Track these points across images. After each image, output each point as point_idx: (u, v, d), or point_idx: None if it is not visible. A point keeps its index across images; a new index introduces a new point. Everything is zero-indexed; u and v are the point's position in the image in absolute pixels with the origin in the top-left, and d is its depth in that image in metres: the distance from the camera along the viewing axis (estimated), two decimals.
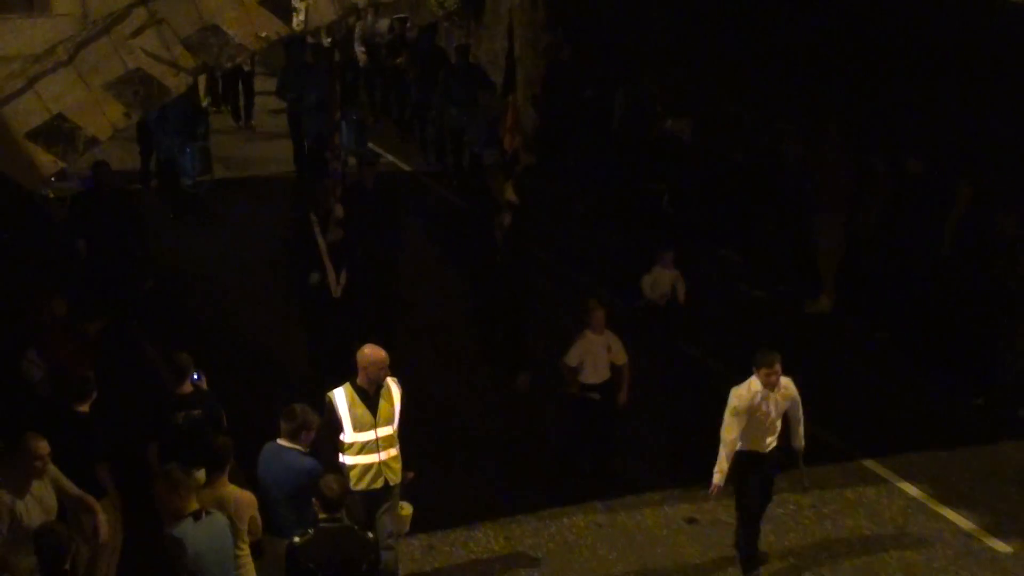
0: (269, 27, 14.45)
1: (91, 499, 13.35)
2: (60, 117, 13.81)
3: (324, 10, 14.75)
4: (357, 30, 33.21)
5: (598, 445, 17.07)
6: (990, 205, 19.64)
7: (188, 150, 26.30)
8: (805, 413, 15.12)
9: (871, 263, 21.46)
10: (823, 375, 19.60)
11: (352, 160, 26.40)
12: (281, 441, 13.34)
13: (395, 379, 14.06)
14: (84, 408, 14.16)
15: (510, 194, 19.17)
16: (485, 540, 15.99)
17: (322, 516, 12.08)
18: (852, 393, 19.44)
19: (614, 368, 16.83)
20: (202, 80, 28.80)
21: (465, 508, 16.30)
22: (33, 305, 16.60)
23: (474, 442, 18.10)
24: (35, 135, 13.72)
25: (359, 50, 33.52)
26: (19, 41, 13.60)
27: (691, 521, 16.43)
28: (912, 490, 17.17)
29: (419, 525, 15.27)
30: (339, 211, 18.41)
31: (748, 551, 14.99)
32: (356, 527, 12.50)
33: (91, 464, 13.68)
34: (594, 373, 16.81)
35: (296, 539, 12.16)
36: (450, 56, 29.69)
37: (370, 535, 12.48)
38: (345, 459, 13.79)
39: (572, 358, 16.72)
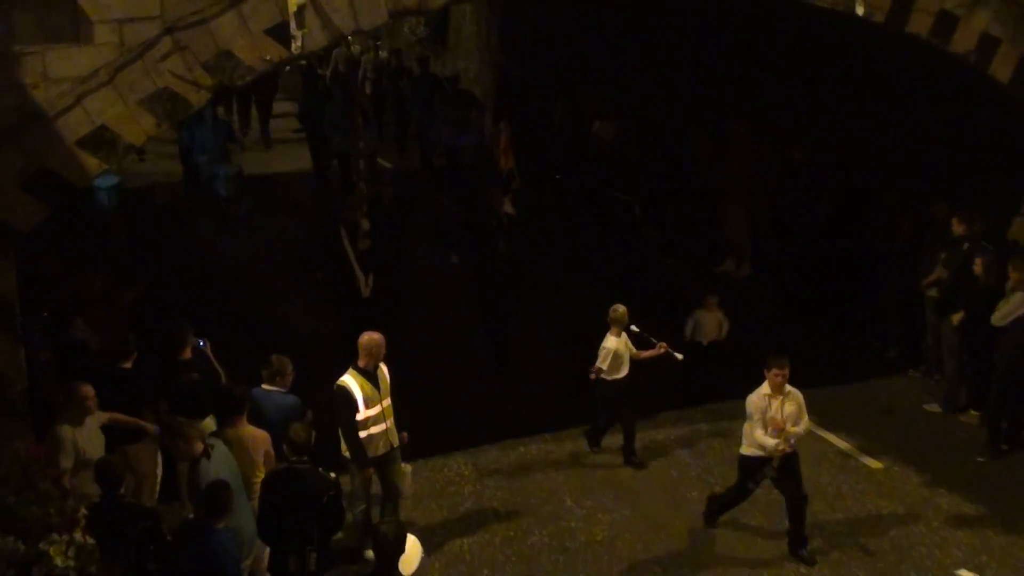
0: (272, 51, 14.42)
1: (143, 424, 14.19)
2: (103, 127, 13.79)
3: (317, 37, 14.72)
4: (363, 62, 32.91)
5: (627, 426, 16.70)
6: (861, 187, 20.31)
7: (221, 173, 25.63)
8: (721, 358, 15.74)
9: (768, 234, 22.06)
10: (733, 327, 20.14)
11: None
12: (265, 386, 13.94)
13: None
14: (128, 365, 14.68)
15: (508, 207, 18.94)
16: (457, 466, 16.61)
17: (292, 457, 12.48)
18: (755, 340, 19.11)
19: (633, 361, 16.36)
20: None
21: (442, 443, 16.75)
22: (77, 280, 17.02)
23: (454, 397, 18.42)
24: (83, 142, 13.73)
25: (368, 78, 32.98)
26: (68, 66, 13.51)
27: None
28: None
29: (424, 450, 15.86)
30: (365, 224, 18.14)
31: (711, 508, 15.13)
32: (320, 468, 12.57)
33: (135, 410, 14.15)
34: (621, 370, 16.33)
35: (267, 475, 12.73)
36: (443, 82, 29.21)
37: (332, 475, 12.60)
38: (360, 434, 13.98)
39: (603, 361, 16.16)
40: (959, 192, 18.40)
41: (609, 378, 16.29)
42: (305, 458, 12.53)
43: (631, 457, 16.63)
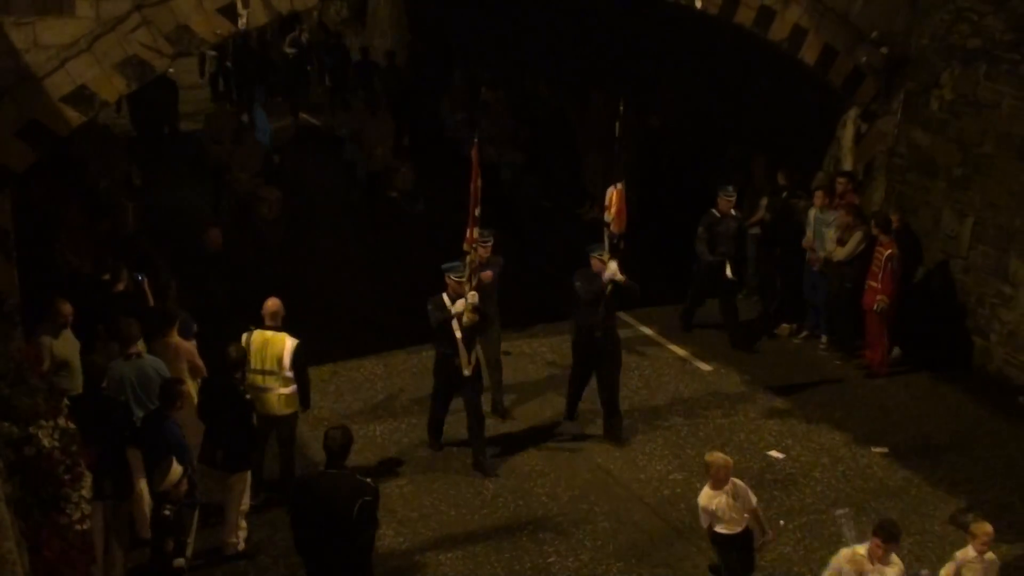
0: (222, 26, 14.59)
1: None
2: (83, 87, 13.91)
3: (258, 15, 14.87)
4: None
5: None
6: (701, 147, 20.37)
7: (266, 195, 20.27)
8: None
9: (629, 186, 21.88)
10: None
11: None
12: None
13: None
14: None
15: (616, 273, 14.22)
16: (371, 367, 16.40)
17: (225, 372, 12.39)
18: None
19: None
20: None
21: (359, 348, 16.66)
22: (60, 211, 16.90)
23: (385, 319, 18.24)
24: (66, 99, 13.85)
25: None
26: (54, 35, 13.59)
27: (506, 354, 16.08)
28: (648, 331, 17.77)
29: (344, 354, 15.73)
30: (473, 297, 13.58)
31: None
32: (242, 387, 12.30)
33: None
34: (729, 526, 11.25)
35: (203, 382, 12.78)
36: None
37: (248, 397, 12.24)
38: None
39: (703, 520, 11.34)
40: (775, 151, 18.59)
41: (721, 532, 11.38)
42: (238, 375, 12.35)
43: None
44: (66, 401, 11.37)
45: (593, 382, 14.79)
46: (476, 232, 13.62)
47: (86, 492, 10.85)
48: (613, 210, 14.26)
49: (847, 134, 18.15)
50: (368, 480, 10.45)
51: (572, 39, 23.68)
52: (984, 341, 16.48)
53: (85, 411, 11.27)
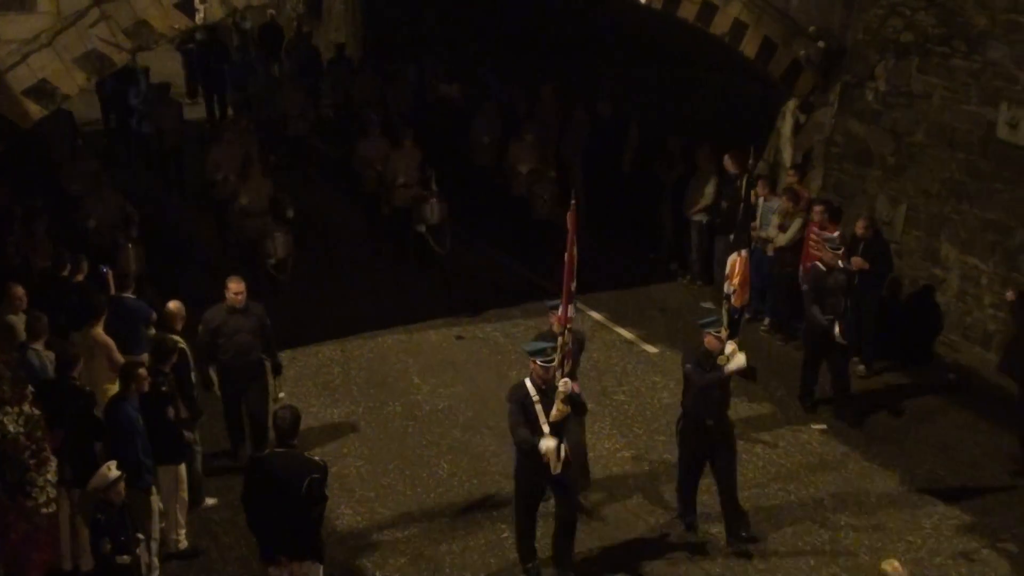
0: (180, 21, 14.74)
1: None
2: (44, 80, 14.03)
3: (215, 9, 15.06)
4: None
5: None
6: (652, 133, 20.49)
7: (275, 233, 17.91)
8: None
9: (575, 175, 22.01)
10: (544, 248, 20.27)
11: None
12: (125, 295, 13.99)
13: None
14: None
15: (737, 357, 12.14)
16: (328, 352, 16.59)
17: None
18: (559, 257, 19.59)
19: None
20: None
21: (317, 333, 16.82)
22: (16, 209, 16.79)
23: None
24: (27, 92, 13.96)
25: None
26: (15, 30, 13.72)
27: (459, 338, 17.02)
28: (596, 315, 17.88)
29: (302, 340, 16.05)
30: (565, 387, 11.23)
31: None
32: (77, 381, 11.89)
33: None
34: None
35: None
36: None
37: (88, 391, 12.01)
38: None
39: None
40: (720, 140, 18.78)
41: None
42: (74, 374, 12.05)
43: None
44: (30, 387, 11.47)
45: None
46: (571, 310, 11.52)
47: (51, 476, 10.92)
48: (736, 280, 12.47)
49: (786, 125, 18.47)
50: (317, 458, 10.51)
51: (521, 33, 23.77)
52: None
53: (53, 397, 11.31)
